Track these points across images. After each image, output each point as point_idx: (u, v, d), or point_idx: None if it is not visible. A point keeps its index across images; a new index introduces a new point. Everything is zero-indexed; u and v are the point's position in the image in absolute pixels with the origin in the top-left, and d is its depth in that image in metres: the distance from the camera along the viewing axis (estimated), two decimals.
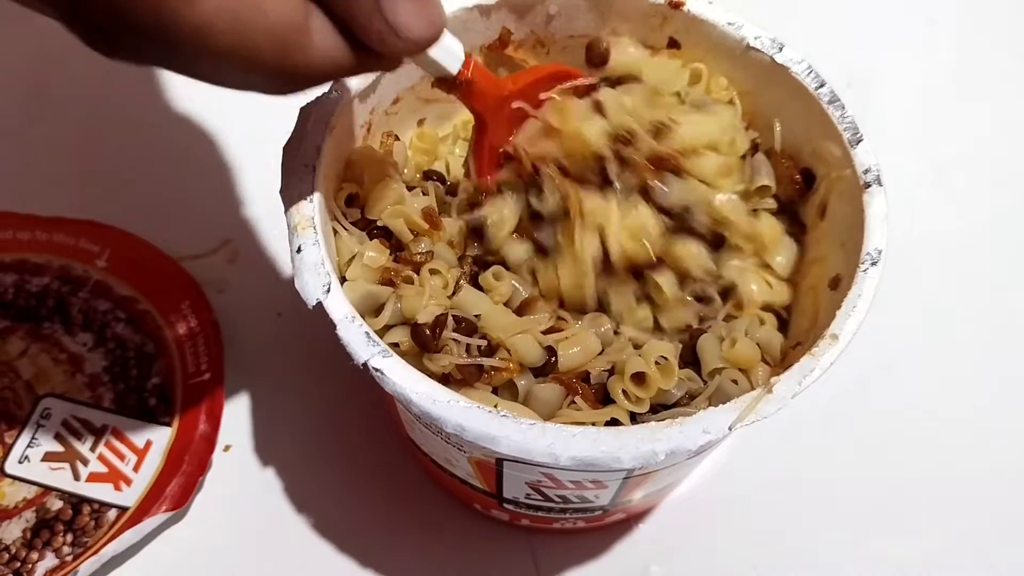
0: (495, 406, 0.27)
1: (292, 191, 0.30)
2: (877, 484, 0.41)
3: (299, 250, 0.29)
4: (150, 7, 0.19)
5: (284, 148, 0.31)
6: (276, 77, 0.23)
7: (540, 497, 0.34)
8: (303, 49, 0.22)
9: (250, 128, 0.48)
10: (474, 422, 0.26)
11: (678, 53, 0.36)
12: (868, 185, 0.31)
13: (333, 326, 0.28)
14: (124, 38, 0.20)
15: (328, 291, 0.28)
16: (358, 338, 0.27)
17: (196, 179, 0.47)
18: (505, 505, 0.36)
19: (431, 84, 0.30)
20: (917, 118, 0.52)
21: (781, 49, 0.34)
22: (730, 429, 0.26)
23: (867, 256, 0.29)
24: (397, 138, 0.36)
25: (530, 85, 0.31)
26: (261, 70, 0.22)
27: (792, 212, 0.35)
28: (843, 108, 0.32)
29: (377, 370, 0.27)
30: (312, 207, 0.30)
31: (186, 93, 0.48)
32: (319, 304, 0.28)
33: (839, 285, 0.31)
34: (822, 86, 0.33)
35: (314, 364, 0.42)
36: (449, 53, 0.28)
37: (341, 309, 0.28)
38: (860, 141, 0.32)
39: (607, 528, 0.39)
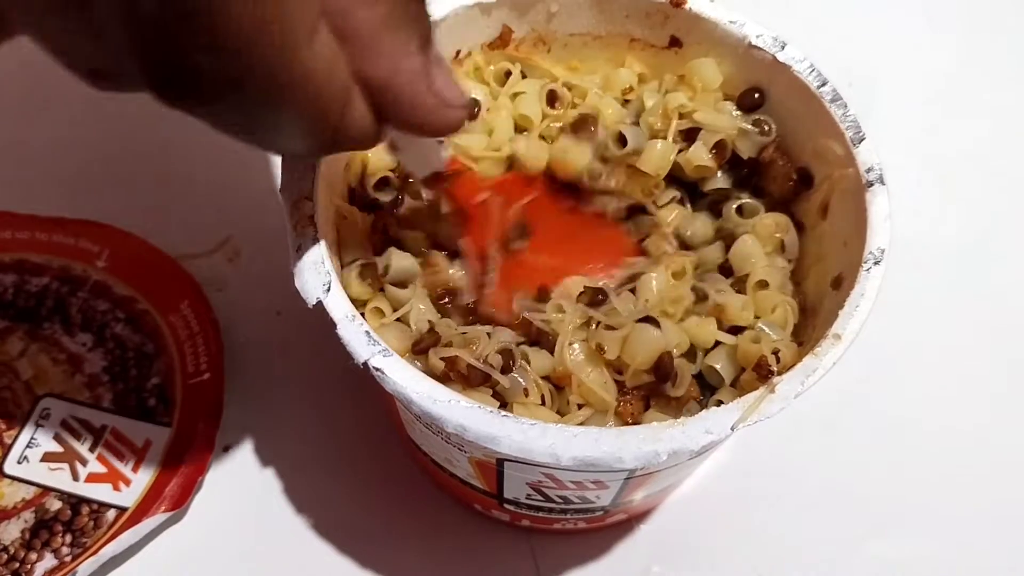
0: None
1: (292, 190, 0.30)
2: (879, 484, 0.41)
3: (299, 249, 0.29)
4: (267, 52, 0.19)
5: None
6: (325, 143, 0.23)
7: (541, 497, 0.33)
8: (349, 119, 0.23)
9: None
10: (475, 422, 0.26)
11: (680, 51, 0.36)
12: (871, 184, 0.31)
13: (333, 325, 0.28)
14: (219, 90, 0.20)
15: (328, 290, 0.28)
16: (358, 337, 0.27)
17: (195, 178, 0.46)
18: (506, 505, 0.36)
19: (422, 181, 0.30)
20: (919, 118, 0.52)
21: (783, 47, 0.33)
22: (733, 429, 0.26)
23: (870, 255, 0.29)
24: None
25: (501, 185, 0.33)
26: (318, 135, 0.23)
27: (788, 211, 0.35)
28: (845, 107, 0.32)
29: (377, 369, 0.27)
30: (312, 206, 0.29)
31: None
32: (319, 303, 0.28)
33: (841, 285, 0.31)
34: (824, 84, 0.33)
35: (314, 363, 0.42)
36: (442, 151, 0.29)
37: (341, 308, 0.28)
38: (862, 140, 0.31)
39: (608, 528, 0.39)
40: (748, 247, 0.33)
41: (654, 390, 0.30)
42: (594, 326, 0.30)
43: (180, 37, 0.18)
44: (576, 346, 0.30)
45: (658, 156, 0.34)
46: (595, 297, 0.31)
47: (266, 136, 0.23)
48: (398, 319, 0.31)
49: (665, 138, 0.34)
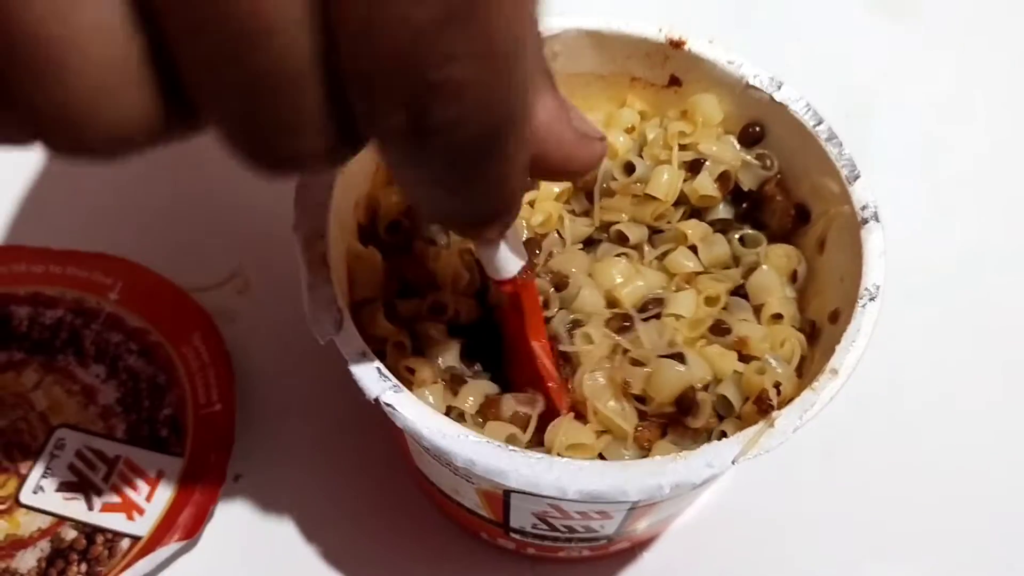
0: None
1: (305, 228, 0.31)
2: (878, 510, 0.41)
3: (311, 287, 0.30)
4: None
5: (296, 187, 0.31)
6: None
7: (546, 527, 0.34)
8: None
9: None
10: (484, 456, 0.27)
11: (680, 90, 0.37)
12: (865, 221, 0.32)
13: (345, 362, 0.29)
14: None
15: (340, 328, 0.29)
16: (370, 374, 0.28)
17: (206, 212, 0.47)
18: (511, 534, 0.36)
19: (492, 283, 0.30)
20: (916, 145, 0.53)
21: (780, 87, 0.34)
22: (733, 462, 0.27)
23: (865, 291, 0.30)
24: None
25: None
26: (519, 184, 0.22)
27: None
28: (840, 145, 0.33)
29: (388, 405, 0.28)
30: (324, 243, 0.30)
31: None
32: (331, 340, 0.29)
33: (838, 319, 0.32)
34: (820, 123, 0.34)
35: (323, 395, 0.43)
36: (508, 260, 0.28)
37: (353, 345, 0.29)
38: (858, 178, 0.32)
39: (612, 557, 0.40)
40: (767, 278, 0.34)
41: (673, 419, 0.31)
42: (620, 354, 0.31)
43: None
44: (597, 374, 0.31)
45: (667, 181, 0.35)
46: (622, 324, 0.32)
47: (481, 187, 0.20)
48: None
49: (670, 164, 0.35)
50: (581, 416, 0.31)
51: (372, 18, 0.15)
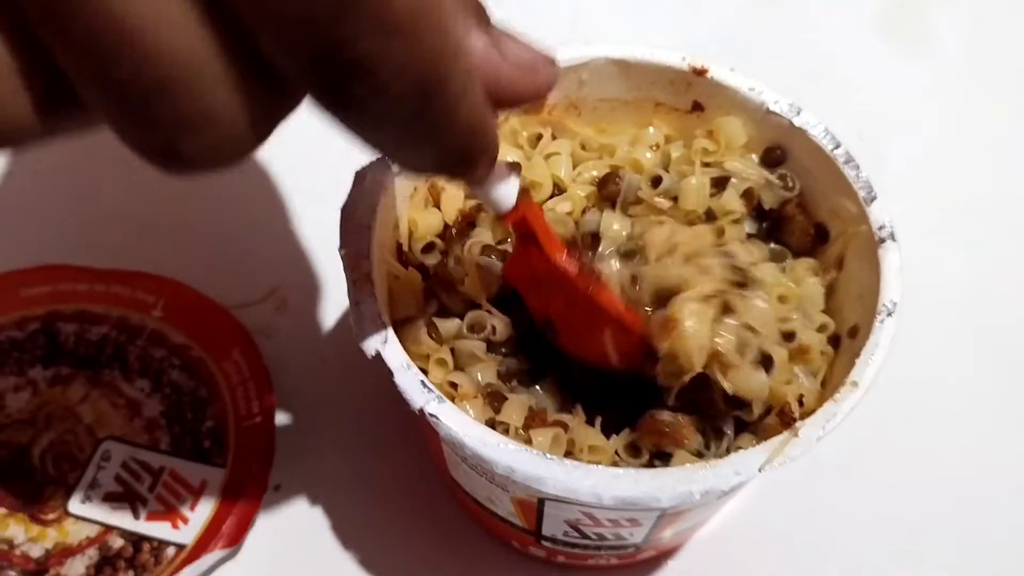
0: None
1: (350, 249, 0.32)
2: (896, 521, 0.43)
3: (358, 304, 0.31)
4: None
5: (342, 209, 0.33)
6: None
7: (577, 535, 0.36)
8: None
9: (298, 185, 0.51)
10: (523, 464, 0.28)
11: (702, 115, 0.38)
12: (883, 240, 0.33)
13: (391, 374, 0.30)
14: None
15: (386, 342, 0.31)
16: (414, 385, 0.30)
17: (244, 232, 0.49)
18: (543, 542, 0.38)
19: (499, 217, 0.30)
20: (929, 168, 0.54)
21: (799, 113, 0.36)
22: (760, 471, 0.29)
23: (883, 307, 0.32)
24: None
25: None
26: (465, 136, 0.21)
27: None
28: (858, 168, 0.35)
29: (432, 415, 0.29)
30: (369, 264, 0.32)
31: None
32: (378, 354, 0.30)
33: (857, 334, 0.33)
34: (838, 147, 0.35)
35: (358, 408, 0.44)
36: (504, 190, 0.28)
37: (398, 358, 0.30)
38: (875, 199, 0.34)
39: (639, 565, 0.41)
40: (813, 290, 0.35)
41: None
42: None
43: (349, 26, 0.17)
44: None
45: (695, 190, 0.36)
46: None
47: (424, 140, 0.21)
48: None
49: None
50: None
51: (272, 10, 0.16)
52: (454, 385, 0.33)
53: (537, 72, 0.23)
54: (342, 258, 0.32)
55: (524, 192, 0.28)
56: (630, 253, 0.33)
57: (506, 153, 0.38)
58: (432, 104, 0.19)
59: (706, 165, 0.37)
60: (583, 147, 0.39)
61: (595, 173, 0.38)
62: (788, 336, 0.33)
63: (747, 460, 0.29)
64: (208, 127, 0.18)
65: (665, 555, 0.42)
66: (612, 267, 0.32)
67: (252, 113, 0.18)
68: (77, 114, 0.18)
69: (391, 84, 0.18)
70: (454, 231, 0.37)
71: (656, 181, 0.37)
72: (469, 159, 0.22)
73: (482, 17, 0.22)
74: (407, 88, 0.18)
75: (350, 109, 0.19)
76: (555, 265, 0.30)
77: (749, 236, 0.37)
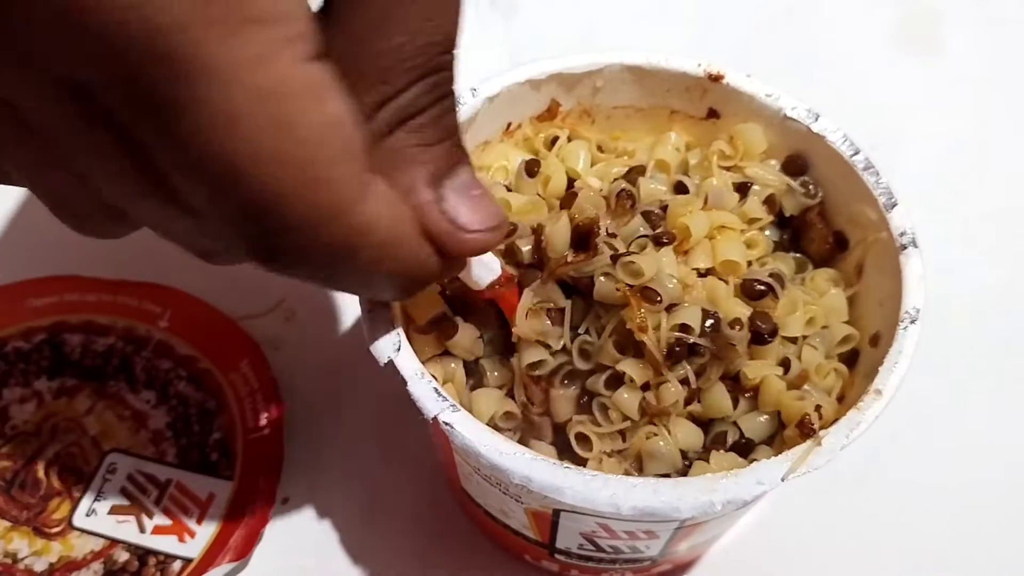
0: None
1: None
2: (913, 535, 0.42)
3: (371, 312, 0.31)
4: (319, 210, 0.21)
5: None
6: (408, 285, 0.26)
7: (592, 547, 0.35)
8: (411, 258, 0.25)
9: None
10: (540, 473, 0.28)
11: (718, 122, 0.38)
12: (904, 247, 0.33)
13: (404, 383, 0.29)
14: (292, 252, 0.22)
15: (399, 349, 0.30)
16: (428, 393, 0.29)
17: None
18: (556, 556, 0.37)
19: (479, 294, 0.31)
20: (943, 177, 0.54)
21: (816, 119, 0.36)
22: (783, 480, 0.28)
23: (906, 314, 0.31)
24: None
25: None
26: (397, 280, 0.25)
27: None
28: (878, 174, 0.34)
29: (447, 424, 0.29)
30: None
31: None
32: (390, 362, 0.30)
33: (879, 342, 0.32)
34: (857, 153, 0.35)
35: (368, 420, 0.44)
36: (484, 271, 0.30)
37: (411, 366, 0.30)
38: (895, 206, 0.33)
39: None
40: (836, 300, 0.34)
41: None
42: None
43: (264, 228, 0.21)
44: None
45: (715, 192, 0.35)
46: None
47: (367, 289, 0.26)
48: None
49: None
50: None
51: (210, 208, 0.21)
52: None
53: (464, 235, 0.25)
54: None
55: (506, 282, 0.31)
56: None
57: (517, 156, 0.38)
58: (345, 272, 0.23)
59: (725, 170, 0.36)
60: (600, 149, 0.38)
61: (615, 171, 0.37)
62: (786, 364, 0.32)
63: (770, 469, 0.28)
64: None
65: (681, 569, 0.41)
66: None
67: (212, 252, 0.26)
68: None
69: (299, 266, 0.23)
70: None
71: (679, 188, 0.36)
72: (409, 291, 0.27)
73: (437, 168, 0.25)
74: (314, 266, 0.23)
75: (281, 272, 0.23)
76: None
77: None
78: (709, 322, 0.31)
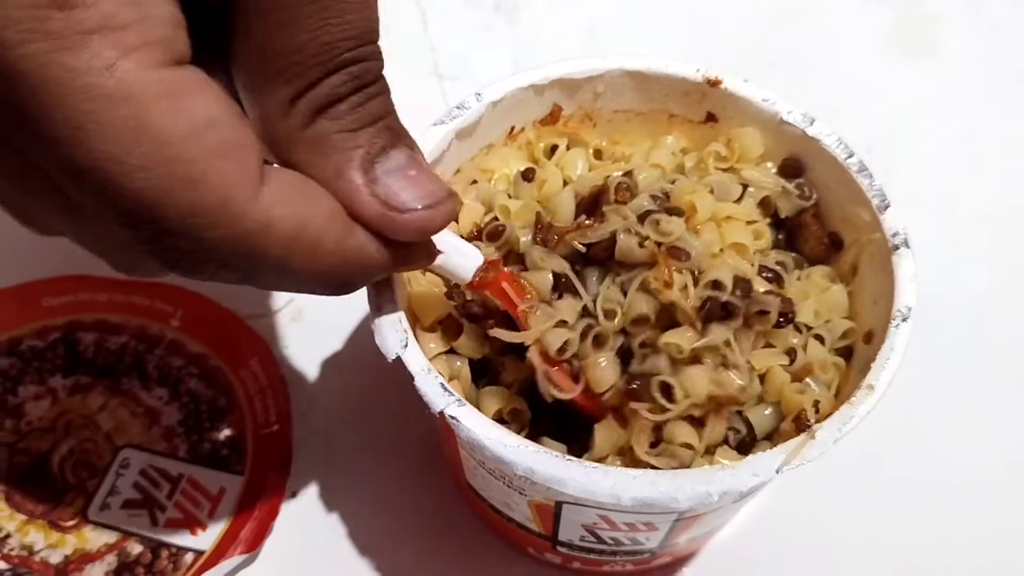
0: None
1: None
2: (910, 531, 0.43)
3: (379, 309, 0.32)
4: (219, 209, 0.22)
5: None
6: (335, 280, 0.26)
7: (594, 539, 0.36)
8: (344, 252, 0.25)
9: None
10: (543, 465, 0.29)
11: (716, 126, 0.39)
12: (896, 248, 0.34)
13: (411, 378, 0.30)
14: (192, 255, 0.23)
15: (406, 346, 0.31)
16: (435, 388, 0.30)
17: None
18: (559, 548, 0.38)
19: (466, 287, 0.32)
20: (936, 180, 0.55)
21: (812, 123, 0.36)
22: (778, 472, 0.29)
23: (898, 313, 0.32)
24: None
25: None
26: (321, 276, 0.25)
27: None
28: (871, 177, 0.35)
29: (453, 418, 0.30)
30: None
31: None
32: (398, 358, 0.31)
33: (872, 340, 0.33)
34: (851, 156, 0.36)
35: (374, 416, 0.45)
36: (464, 260, 0.31)
37: (418, 362, 0.31)
38: (888, 207, 0.34)
39: (654, 571, 0.41)
40: (838, 296, 0.35)
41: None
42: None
43: (153, 232, 0.22)
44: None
45: (719, 184, 0.36)
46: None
47: (299, 287, 0.26)
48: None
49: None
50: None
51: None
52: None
53: (401, 214, 0.25)
54: None
55: (490, 267, 0.31)
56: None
57: (518, 164, 0.39)
58: (258, 270, 0.24)
59: (722, 171, 0.37)
60: (598, 155, 0.39)
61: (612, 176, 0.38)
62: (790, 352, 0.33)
63: (765, 461, 0.29)
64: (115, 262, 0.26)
65: (680, 561, 0.42)
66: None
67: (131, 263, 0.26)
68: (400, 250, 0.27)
69: (202, 268, 0.23)
70: None
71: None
72: (353, 285, 0.27)
73: (368, 150, 0.25)
74: (216, 267, 0.23)
75: (196, 278, 0.24)
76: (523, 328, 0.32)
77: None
78: (739, 289, 0.31)
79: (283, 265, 0.24)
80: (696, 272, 0.31)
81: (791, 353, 0.33)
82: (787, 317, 0.33)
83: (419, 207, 0.25)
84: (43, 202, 0.24)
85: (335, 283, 0.26)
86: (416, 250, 0.28)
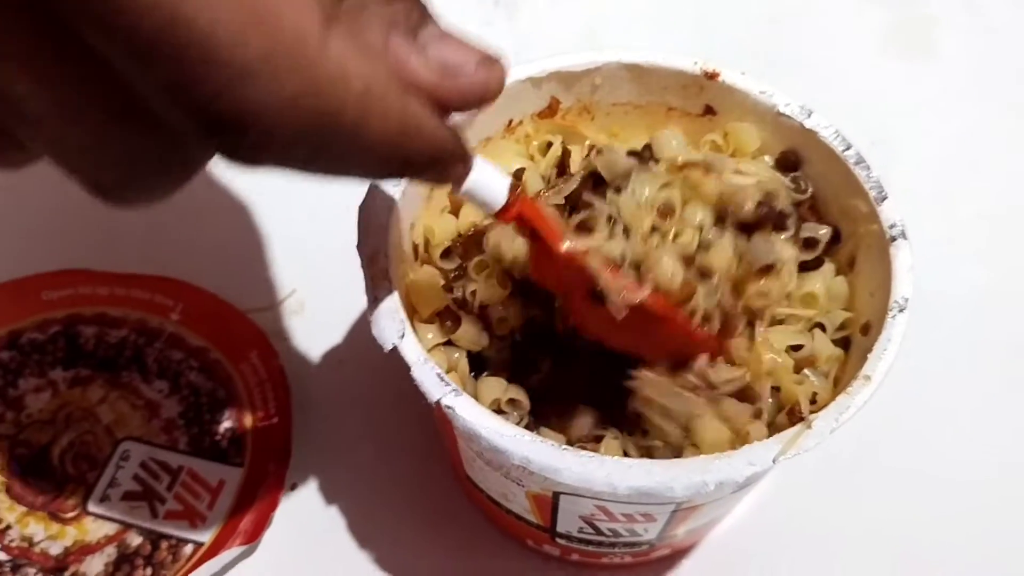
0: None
1: (368, 247, 0.33)
2: (910, 523, 0.43)
3: (375, 300, 0.32)
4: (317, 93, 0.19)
5: (360, 209, 0.34)
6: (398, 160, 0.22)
7: (592, 531, 0.36)
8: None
9: (312, 190, 0.51)
10: (539, 454, 0.29)
11: (714, 118, 0.39)
12: (894, 239, 0.34)
13: (408, 368, 0.31)
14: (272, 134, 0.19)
15: (402, 336, 0.31)
16: (431, 378, 0.30)
17: (261, 238, 0.50)
18: (557, 540, 0.38)
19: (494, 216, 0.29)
20: (938, 175, 0.55)
21: (810, 115, 0.37)
22: (774, 461, 0.29)
23: (895, 304, 0.32)
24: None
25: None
26: (389, 146, 0.22)
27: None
28: (868, 169, 0.35)
29: (449, 407, 0.30)
30: (386, 261, 0.33)
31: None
32: (394, 348, 0.31)
33: (869, 331, 0.33)
34: (848, 148, 0.36)
35: (374, 408, 0.45)
36: (491, 188, 0.27)
37: (415, 352, 0.31)
38: (885, 199, 0.34)
39: (653, 564, 0.41)
40: (839, 287, 0.36)
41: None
42: None
43: (221, 83, 0.18)
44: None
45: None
46: None
47: (366, 165, 0.22)
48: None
49: None
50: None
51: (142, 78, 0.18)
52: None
53: (459, 77, 0.23)
54: (360, 256, 0.33)
55: (516, 188, 0.28)
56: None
57: (514, 162, 0.39)
58: (332, 136, 0.20)
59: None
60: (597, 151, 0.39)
61: None
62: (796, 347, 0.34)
63: (761, 451, 0.29)
64: (127, 174, 0.21)
65: (679, 554, 0.42)
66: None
67: (164, 163, 0.22)
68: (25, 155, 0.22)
69: (275, 133, 0.19)
70: (461, 248, 0.37)
71: None
72: (413, 166, 0.23)
73: (407, 20, 0.22)
74: (293, 132, 0.19)
75: (252, 161, 0.20)
76: (561, 255, 0.29)
77: None
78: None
79: (357, 130, 0.20)
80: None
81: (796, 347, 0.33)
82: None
83: (474, 68, 0.23)
84: (81, 91, 0.20)
85: (399, 159, 0.22)
86: (456, 151, 0.25)
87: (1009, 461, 0.45)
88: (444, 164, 0.24)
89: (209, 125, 0.19)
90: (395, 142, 0.22)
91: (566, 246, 0.29)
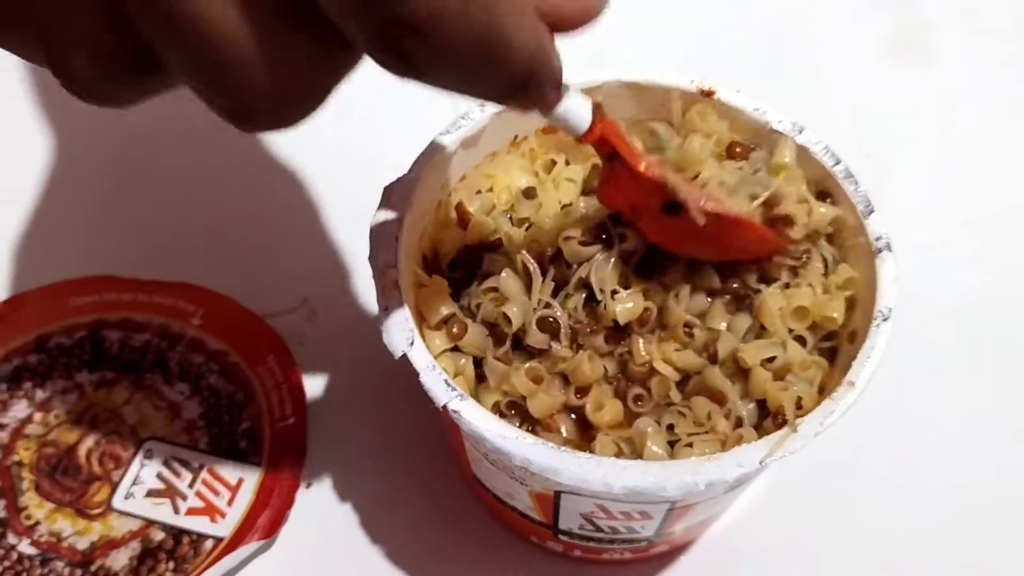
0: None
1: (379, 259, 0.35)
2: (900, 520, 0.44)
3: (386, 309, 0.34)
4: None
5: (372, 223, 0.35)
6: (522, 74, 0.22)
7: (592, 528, 0.38)
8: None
9: (328, 202, 0.54)
10: (539, 456, 0.31)
11: None
12: (879, 251, 0.35)
13: (416, 374, 0.32)
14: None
15: (412, 344, 0.33)
16: (438, 384, 0.32)
17: (278, 246, 0.52)
18: (560, 536, 0.40)
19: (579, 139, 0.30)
20: (932, 185, 0.56)
21: (801, 131, 0.38)
22: (761, 463, 0.31)
23: (879, 313, 0.34)
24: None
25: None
26: (521, 56, 0.22)
27: None
28: (856, 183, 0.37)
29: (455, 411, 0.31)
30: (397, 271, 0.34)
31: (267, 179, 0.54)
32: (404, 355, 0.33)
33: (855, 339, 0.35)
34: (838, 163, 0.37)
35: (385, 410, 0.47)
36: (578, 112, 0.28)
37: (423, 359, 0.33)
38: (872, 212, 0.36)
39: (652, 560, 0.43)
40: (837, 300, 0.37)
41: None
42: None
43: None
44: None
45: (699, 147, 0.37)
46: None
47: (480, 68, 0.21)
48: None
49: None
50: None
51: None
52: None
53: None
54: (372, 267, 0.35)
55: (598, 110, 0.29)
56: None
57: (521, 171, 0.40)
58: (490, 49, 0.20)
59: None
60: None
61: None
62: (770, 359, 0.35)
63: (749, 453, 0.31)
64: (270, 87, 0.20)
65: (677, 550, 0.44)
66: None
67: (313, 71, 0.21)
68: (162, 77, 0.21)
69: (453, 39, 0.19)
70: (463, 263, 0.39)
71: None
72: (533, 85, 0.23)
73: None
74: (466, 41, 0.20)
75: (413, 69, 0.20)
76: (643, 175, 0.32)
77: None
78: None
79: (506, 43, 0.21)
80: None
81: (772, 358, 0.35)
82: None
83: None
84: None
85: (523, 73, 0.22)
86: (561, 74, 0.25)
87: (998, 463, 0.46)
88: (554, 85, 0.25)
89: (394, 24, 0.19)
90: (532, 58, 0.22)
91: (644, 164, 0.32)
